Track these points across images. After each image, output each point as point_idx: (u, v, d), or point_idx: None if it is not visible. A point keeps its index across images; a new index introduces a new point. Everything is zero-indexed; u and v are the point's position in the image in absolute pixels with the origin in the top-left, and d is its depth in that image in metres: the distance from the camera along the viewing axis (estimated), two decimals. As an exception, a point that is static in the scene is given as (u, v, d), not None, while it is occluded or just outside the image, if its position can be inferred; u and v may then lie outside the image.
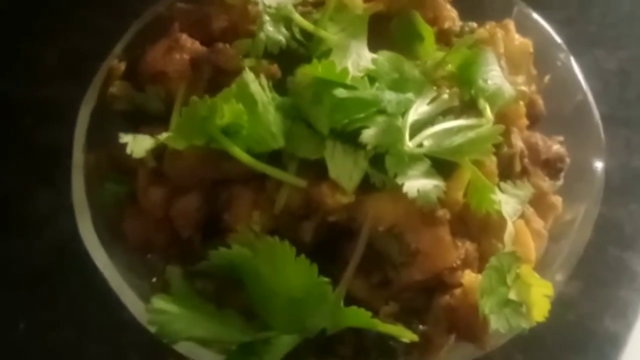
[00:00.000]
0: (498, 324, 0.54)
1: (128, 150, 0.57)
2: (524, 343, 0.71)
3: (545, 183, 0.67)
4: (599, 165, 0.68)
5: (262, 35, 0.64)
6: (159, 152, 0.61)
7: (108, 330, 0.73)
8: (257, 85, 0.58)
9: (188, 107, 0.55)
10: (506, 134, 0.65)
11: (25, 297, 0.77)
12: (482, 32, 0.71)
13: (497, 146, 0.63)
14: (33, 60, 0.93)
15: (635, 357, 0.74)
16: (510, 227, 0.59)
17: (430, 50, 0.68)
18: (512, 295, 0.55)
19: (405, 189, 0.56)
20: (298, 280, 0.54)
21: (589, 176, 0.68)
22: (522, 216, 0.63)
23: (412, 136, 0.58)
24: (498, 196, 0.60)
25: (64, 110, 0.71)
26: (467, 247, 0.59)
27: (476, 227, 0.61)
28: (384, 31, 0.69)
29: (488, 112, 0.62)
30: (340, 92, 0.58)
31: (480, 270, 0.58)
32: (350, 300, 0.57)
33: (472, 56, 0.64)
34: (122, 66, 0.70)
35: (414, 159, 0.58)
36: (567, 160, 0.69)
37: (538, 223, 0.64)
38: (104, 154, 0.66)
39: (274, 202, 0.60)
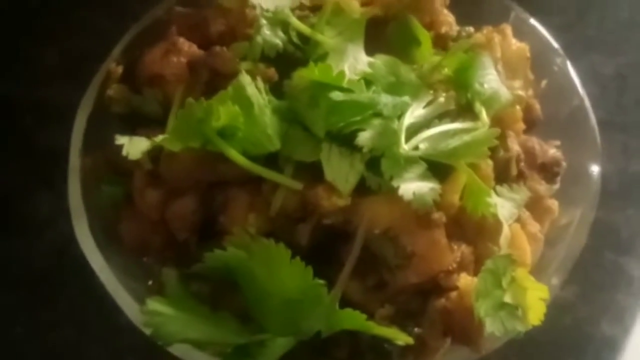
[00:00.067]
0: (493, 327, 0.54)
1: (124, 152, 0.57)
2: (520, 347, 0.71)
3: (542, 187, 0.67)
4: (595, 169, 0.69)
5: (259, 39, 0.64)
6: (155, 154, 0.62)
7: (107, 331, 0.73)
8: (253, 87, 0.58)
9: (184, 109, 0.55)
10: (502, 138, 0.65)
11: (25, 297, 0.77)
12: (479, 36, 0.71)
13: (494, 150, 0.63)
14: (33, 61, 0.93)
15: (633, 361, 0.74)
16: (506, 231, 0.59)
17: (427, 54, 0.68)
18: (508, 299, 0.55)
19: (400, 191, 0.56)
20: (293, 282, 0.54)
21: (585, 180, 0.69)
22: (518, 220, 0.63)
23: (408, 139, 0.59)
24: (494, 199, 0.60)
25: (64, 111, 0.72)
26: (462, 250, 0.59)
27: (472, 230, 0.61)
28: (381, 35, 0.69)
29: (484, 116, 0.62)
30: (337, 95, 0.59)
31: (476, 273, 0.58)
32: (345, 302, 0.57)
33: (469, 60, 0.65)
34: (120, 69, 0.70)
35: (409, 161, 0.58)
36: (564, 164, 0.69)
37: (534, 227, 0.64)
38: (101, 156, 0.66)
39: (270, 204, 0.60)
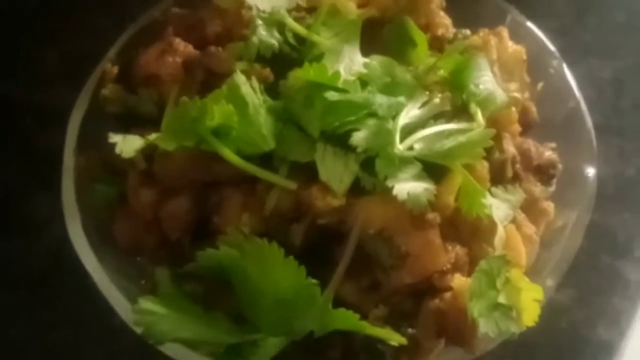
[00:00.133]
0: (487, 327, 0.54)
1: (117, 150, 0.57)
2: (516, 350, 0.71)
3: (537, 189, 0.67)
4: (590, 171, 0.68)
5: (254, 39, 0.64)
6: (149, 153, 0.62)
7: (105, 331, 0.73)
8: (248, 87, 0.58)
9: (178, 107, 0.55)
10: (498, 140, 0.65)
11: (23, 298, 0.77)
12: (476, 39, 0.71)
13: (489, 151, 0.63)
14: (33, 62, 0.93)
15: (629, 365, 0.74)
16: (500, 232, 0.59)
17: (422, 56, 0.68)
18: (502, 299, 0.55)
19: (395, 191, 0.56)
20: (286, 281, 0.54)
21: (581, 183, 0.68)
22: (514, 221, 0.63)
23: (402, 139, 0.59)
24: (489, 201, 0.60)
25: (63, 112, 0.72)
26: (457, 251, 0.59)
27: (467, 231, 0.61)
28: (378, 37, 0.69)
29: (479, 117, 0.62)
30: (332, 95, 0.59)
31: (470, 274, 0.58)
32: (340, 303, 0.57)
33: (464, 61, 0.65)
34: (115, 69, 0.70)
35: (404, 162, 0.58)
36: (560, 166, 0.69)
37: (529, 228, 0.64)
38: (95, 156, 0.66)
39: (264, 204, 0.60)
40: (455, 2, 0.75)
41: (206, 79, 0.64)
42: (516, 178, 0.66)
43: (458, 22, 0.73)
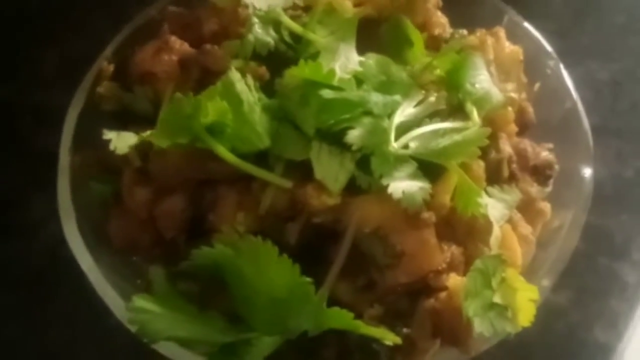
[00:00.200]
0: (482, 327, 0.54)
1: (111, 147, 0.57)
2: (513, 352, 0.70)
3: (534, 189, 0.67)
4: (587, 172, 0.68)
5: (250, 37, 0.64)
6: (145, 152, 0.61)
7: (102, 331, 0.73)
8: (242, 84, 0.58)
9: (172, 104, 0.55)
10: (494, 139, 0.65)
11: (21, 297, 0.77)
12: (472, 39, 0.71)
13: (485, 151, 0.63)
14: (32, 64, 0.93)
15: (626, 367, 0.74)
16: (496, 231, 0.59)
17: (419, 55, 0.68)
18: (497, 299, 0.55)
19: (390, 190, 0.56)
20: (281, 279, 0.54)
21: (577, 183, 0.68)
22: (510, 221, 0.63)
23: (398, 138, 0.58)
24: (485, 200, 0.60)
25: (61, 113, 0.71)
26: (453, 250, 0.59)
27: (463, 231, 0.61)
28: (374, 36, 0.69)
29: (475, 116, 0.62)
30: (327, 93, 0.58)
31: (466, 274, 0.57)
32: (335, 303, 0.56)
33: (460, 60, 0.64)
34: (111, 67, 0.70)
35: (399, 160, 0.58)
36: (556, 167, 0.69)
37: (526, 229, 0.64)
38: (91, 154, 0.66)
39: (260, 203, 0.60)
40: (452, 2, 0.75)
41: (202, 77, 0.64)
42: (512, 178, 0.66)
43: (455, 22, 0.73)
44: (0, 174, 0.85)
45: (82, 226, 0.64)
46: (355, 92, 0.60)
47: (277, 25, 0.66)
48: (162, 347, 0.57)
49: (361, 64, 0.62)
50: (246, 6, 0.66)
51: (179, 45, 0.66)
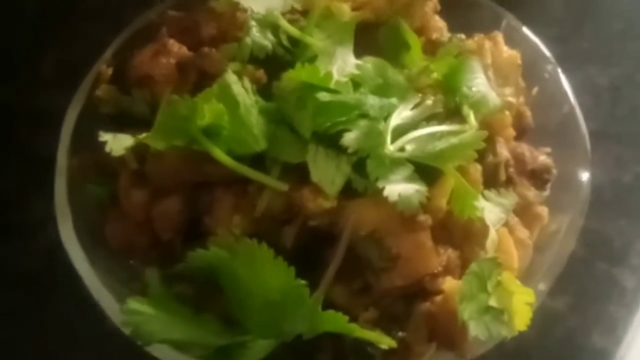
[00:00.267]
0: (477, 330, 0.53)
1: (107, 149, 0.57)
2: (510, 357, 0.70)
3: (531, 193, 0.67)
4: (584, 176, 0.68)
5: (248, 40, 0.64)
6: (141, 154, 0.61)
7: (99, 333, 0.73)
8: (239, 86, 0.58)
9: (168, 106, 0.55)
10: (491, 143, 0.65)
11: (19, 298, 0.77)
12: (470, 43, 0.71)
13: (482, 155, 0.63)
14: (30, 69, 0.93)
15: (624, 373, 0.73)
16: (492, 234, 0.59)
17: (416, 59, 0.68)
18: (493, 302, 0.55)
19: (386, 192, 0.56)
20: (276, 282, 0.54)
21: (575, 187, 0.68)
22: (507, 225, 0.63)
23: (394, 141, 0.58)
24: (481, 203, 0.60)
25: (60, 117, 0.71)
26: (449, 254, 0.59)
27: (459, 234, 0.61)
28: (372, 40, 0.69)
29: (472, 119, 0.62)
30: (323, 96, 0.59)
31: (462, 277, 0.57)
32: (331, 306, 0.56)
33: (457, 64, 0.65)
34: (110, 71, 0.70)
35: (396, 163, 0.58)
36: (554, 171, 0.69)
37: (523, 232, 0.64)
38: (88, 157, 0.66)
39: (256, 206, 0.60)
40: (450, 7, 0.75)
41: (199, 80, 0.64)
42: (510, 182, 0.66)
43: (453, 27, 0.73)
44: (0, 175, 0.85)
45: (78, 228, 0.64)
46: (351, 95, 0.60)
47: (275, 28, 0.66)
48: (157, 350, 0.57)
49: (358, 67, 0.62)
50: (245, 10, 0.66)
51: (177, 49, 0.67)
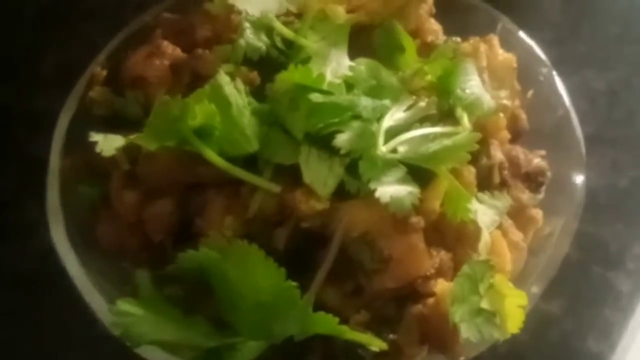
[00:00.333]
0: (469, 332, 0.53)
1: (97, 149, 0.57)
2: (505, 361, 0.70)
3: (525, 196, 0.66)
4: (579, 179, 0.68)
5: (242, 42, 0.64)
6: (133, 155, 0.61)
7: (95, 334, 0.72)
8: (231, 87, 0.58)
9: (160, 106, 0.55)
10: (485, 146, 0.65)
11: (16, 299, 0.77)
12: (466, 46, 0.71)
13: (476, 157, 0.63)
14: (28, 71, 0.93)
15: (619, 378, 0.73)
16: (486, 237, 0.58)
17: (411, 61, 0.68)
18: (485, 305, 0.54)
19: (378, 194, 0.55)
20: (266, 283, 0.54)
21: (569, 190, 0.68)
22: (501, 227, 0.63)
23: (387, 142, 0.58)
24: (475, 206, 0.60)
25: (56, 120, 0.72)
26: (441, 256, 0.58)
27: (452, 236, 0.60)
28: (367, 42, 0.69)
29: (465, 121, 0.61)
30: (316, 97, 0.58)
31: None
32: (322, 308, 0.56)
33: (452, 66, 0.64)
34: (104, 72, 0.70)
35: (388, 165, 0.57)
36: (549, 174, 0.69)
37: (516, 235, 0.63)
38: (80, 158, 0.66)
39: (248, 208, 0.60)
40: (446, 10, 0.75)
41: (193, 82, 0.64)
42: (504, 185, 0.66)
43: (449, 30, 0.73)
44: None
45: (70, 229, 0.64)
46: (344, 96, 0.60)
47: (269, 30, 0.66)
48: (147, 352, 0.56)
49: (351, 68, 0.62)
50: (240, 13, 0.66)
51: (171, 50, 0.67)
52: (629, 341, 0.74)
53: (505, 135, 0.69)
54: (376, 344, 0.55)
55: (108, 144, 0.57)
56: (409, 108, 0.61)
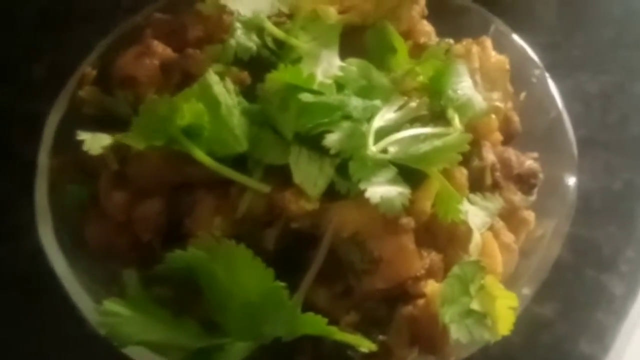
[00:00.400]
0: (459, 334, 0.53)
1: (85, 147, 0.56)
2: (496, 364, 0.69)
3: (517, 198, 0.66)
4: (571, 181, 0.67)
5: (232, 42, 0.64)
6: (122, 155, 0.61)
7: (88, 335, 0.72)
8: (221, 87, 0.57)
9: (147, 105, 0.54)
10: (477, 147, 0.65)
11: (12, 299, 0.76)
12: (458, 47, 0.71)
13: (468, 159, 0.62)
14: (22, 75, 0.93)
15: (611, 381, 0.72)
16: (477, 238, 0.58)
17: (402, 62, 0.67)
18: (475, 306, 0.54)
19: (368, 194, 0.55)
20: (254, 283, 0.53)
21: (561, 192, 0.67)
22: (492, 229, 0.62)
23: (377, 142, 0.58)
24: (466, 207, 0.59)
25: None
26: (432, 257, 0.58)
27: (443, 237, 0.60)
28: (359, 43, 0.69)
29: (456, 122, 0.61)
30: (306, 97, 0.58)
31: (444, 280, 0.57)
32: (312, 309, 0.55)
33: (443, 67, 0.64)
34: (94, 72, 0.70)
35: (378, 165, 0.57)
36: (541, 176, 0.68)
37: (508, 237, 0.63)
38: (69, 157, 0.66)
39: (237, 208, 0.59)
40: (438, 12, 0.74)
41: (183, 82, 0.64)
42: (496, 186, 0.66)
43: (442, 32, 0.73)
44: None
45: (59, 229, 0.64)
46: (334, 96, 0.59)
47: (260, 30, 0.66)
48: (135, 353, 0.56)
49: (342, 68, 0.62)
50: (231, 13, 0.66)
51: (161, 50, 0.67)
52: (622, 344, 0.73)
53: (498, 137, 0.68)
54: (365, 345, 0.54)
55: (95, 142, 0.57)
56: (399, 108, 0.61)
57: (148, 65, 0.65)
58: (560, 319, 0.74)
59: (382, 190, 0.56)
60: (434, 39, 0.72)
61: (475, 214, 0.60)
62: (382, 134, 0.59)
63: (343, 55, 0.66)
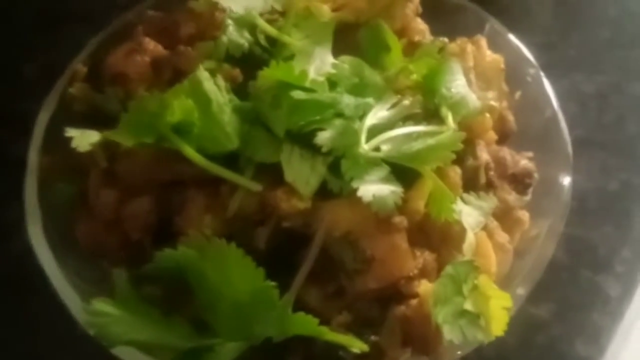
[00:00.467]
0: (452, 334, 0.52)
1: (73, 144, 0.56)
2: (491, 365, 0.69)
3: (512, 197, 0.65)
4: (566, 181, 0.67)
5: (224, 38, 0.63)
6: (112, 152, 0.60)
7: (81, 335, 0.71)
8: (211, 84, 0.57)
9: (136, 102, 0.54)
10: (471, 146, 0.64)
11: (3, 300, 0.75)
12: (453, 46, 0.70)
13: (462, 158, 0.62)
14: (13, 75, 0.92)
15: (607, 383, 0.72)
16: (470, 238, 0.57)
17: (396, 60, 0.67)
18: (469, 306, 0.53)
19: (360, 193, 0.55)
20: (244, 283, 0.52)
21: (556, 192, 0.67)
22: (486, 229, 0.62)
23: (369, 140, 0.57)
24: (460, 206, 0.59)
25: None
26: (425, 256, 0.57)
27: (437, 237, 0.59)
28: (352, 41, 0.68)
29: (450, 120, 0.60)
30: (298, 94, 0.57)
31: (437, 280, 0.56)
32: (304, 310, 0.55)
33: (437, 65, 0.64)
34: (85, 70, 0.69)
35: (371, 163, 0.56)
36: (536, 175, 0.68)
37: (502, 237, 0.62)
38: (59, 155, 0.65)
39: (228, 207, 0.58)
40: (433, 11, 0.74)
41: (174, 79, 0.63)
42: (490, 186, 0.65)
43: (437, 31, 0.73)
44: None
45: (49, 228, 0.63)
46: (327, 93, 0.59)
47: (252, 28, 0.65)
48: (125, 353, 0.55)
49: (334, 66, 0.61)
50: (224, 10, 0.65)
51: (152, 47, 0.66)
52: (618, 345, 0.73)
53: (492, 136, 0.68)
54: (357, 346, 0.53)
55: (84, 139, 0.56)
56: (392, 106, 0.60)
57: (139, 62, 0.64)
58: (556, 319, 0.74)
59: (374, 188, 0.55)
60: (428, 37, 0.72)
61: (469, 213, 0.60)
62: (374, 132, 0.58)
63: (336, 53, 0.65)
